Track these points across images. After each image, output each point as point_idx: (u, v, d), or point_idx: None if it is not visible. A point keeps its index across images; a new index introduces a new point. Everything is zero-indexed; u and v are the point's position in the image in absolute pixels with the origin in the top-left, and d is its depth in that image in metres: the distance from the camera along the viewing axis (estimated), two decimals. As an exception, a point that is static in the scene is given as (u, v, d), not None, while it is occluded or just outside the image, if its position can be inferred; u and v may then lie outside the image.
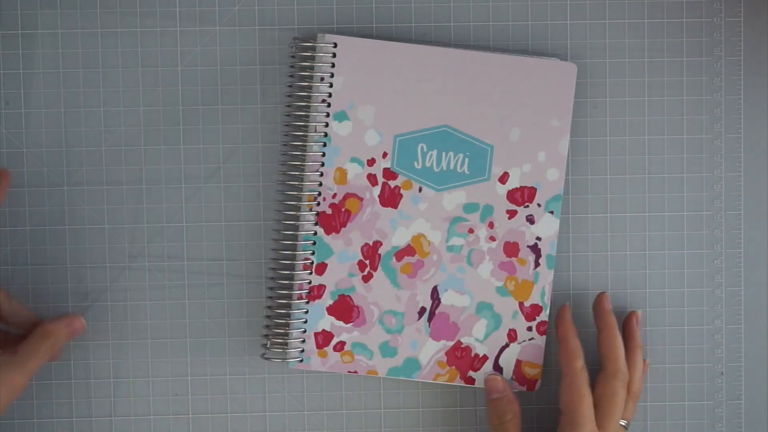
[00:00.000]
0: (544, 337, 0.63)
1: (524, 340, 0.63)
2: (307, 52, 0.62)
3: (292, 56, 0.63)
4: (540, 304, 0.63)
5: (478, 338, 0.63)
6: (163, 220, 0.64)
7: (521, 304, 0.63)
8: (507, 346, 0.63)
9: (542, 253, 0.63)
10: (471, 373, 0.63)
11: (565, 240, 0.64)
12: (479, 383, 0.63)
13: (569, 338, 0.62)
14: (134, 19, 0.64)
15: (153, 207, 0.64)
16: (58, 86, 0.64)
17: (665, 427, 0.65)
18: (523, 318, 0.63)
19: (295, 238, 0.63)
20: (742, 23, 0.64)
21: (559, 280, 0.64)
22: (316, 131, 0.62)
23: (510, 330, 0.63)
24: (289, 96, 0.62)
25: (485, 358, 0.63)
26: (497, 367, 0.63)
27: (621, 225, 0.65)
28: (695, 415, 0.65)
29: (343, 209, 0.63)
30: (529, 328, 0.63)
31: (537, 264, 0.63)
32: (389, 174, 0.63)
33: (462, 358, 0.63)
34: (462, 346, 0.63)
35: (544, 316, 0.63)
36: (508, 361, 0.63)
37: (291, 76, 0.63)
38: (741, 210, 0.65)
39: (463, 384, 0.64)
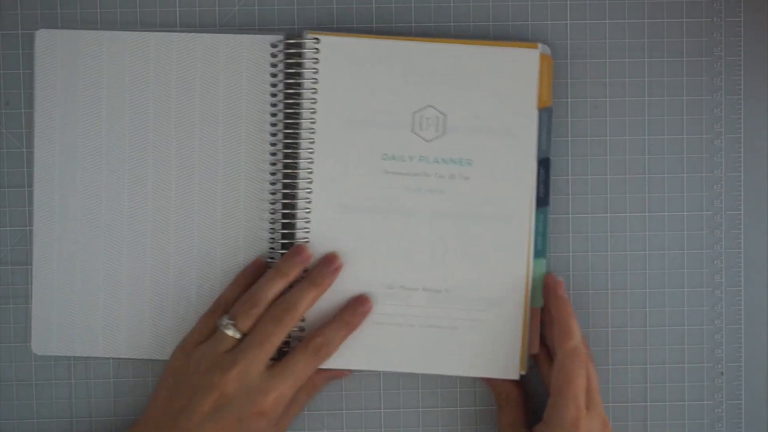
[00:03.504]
0: None
1: None
2: (292, 50, 0.62)
3: (274, 56, 0.62)
4: None
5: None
6: (163, 220, 0.64)
7: None
8: None
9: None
10: None
11: (565, 240, 0.64)
12: None
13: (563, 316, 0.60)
14: (134, 19, 0.64)
15: (153, 207, 0.64)
16: (58, 86, 0.64)
17: (665, 427, 0.65)
18: None
19: (290, 237, 0.62)
20: (742, 23, 0.64)
21: (559, 280, 0.65)
22: (303, 128, 0.62)
23: None
24: (275, 95, 0.62)
25: None
26: None
27: (621, 225, 0.65)
28: (695, 415, 0.65)
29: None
30: None
31: None
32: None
33: None
34: None
35: None
36: None
37: (274, 75, 0.62)
38: (741, 210, 0.65)
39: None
